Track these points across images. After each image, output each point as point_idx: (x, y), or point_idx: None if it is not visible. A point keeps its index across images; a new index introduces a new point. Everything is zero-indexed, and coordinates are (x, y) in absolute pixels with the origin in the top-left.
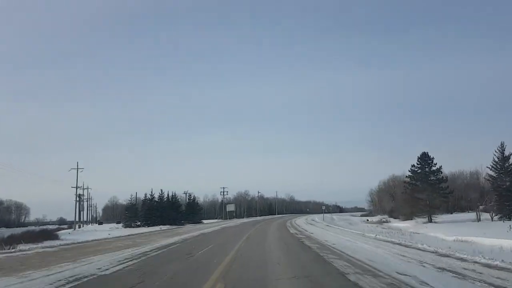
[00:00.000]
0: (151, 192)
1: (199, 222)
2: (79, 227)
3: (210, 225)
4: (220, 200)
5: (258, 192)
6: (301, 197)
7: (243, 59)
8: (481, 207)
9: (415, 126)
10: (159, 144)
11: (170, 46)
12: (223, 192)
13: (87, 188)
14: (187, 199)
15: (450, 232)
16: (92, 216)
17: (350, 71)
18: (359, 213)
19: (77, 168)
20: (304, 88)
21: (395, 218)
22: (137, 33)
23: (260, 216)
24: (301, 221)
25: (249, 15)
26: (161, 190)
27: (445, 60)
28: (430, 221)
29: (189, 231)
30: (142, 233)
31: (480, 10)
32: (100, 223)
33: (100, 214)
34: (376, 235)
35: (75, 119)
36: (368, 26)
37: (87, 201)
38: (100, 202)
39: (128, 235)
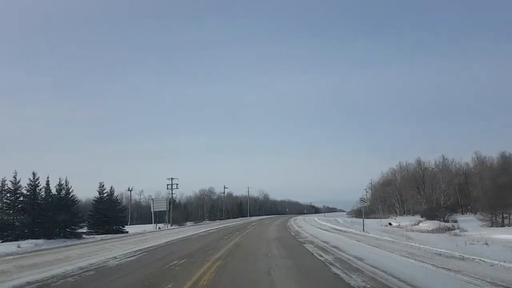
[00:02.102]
0: (15, 178)
1: (120, 231)
2: None
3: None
4: (175, 198)
5: (225, 188)
6: (275, 195)
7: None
8: None
9: (397, 127)
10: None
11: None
12: (171, 185)
13: None
14: (98, 193)
15: None
16: None
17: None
18: (342, 214)
19: None
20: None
21: (446, 220)
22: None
23: (226, 218)
24: (334, 239)
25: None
26: (34, 174)
27: (438, 61)
28: None
29: None
30: None
31: (474, 12)
32: None
33: None
34: None
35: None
36: (362, 28)
37: None
38: None
39: None
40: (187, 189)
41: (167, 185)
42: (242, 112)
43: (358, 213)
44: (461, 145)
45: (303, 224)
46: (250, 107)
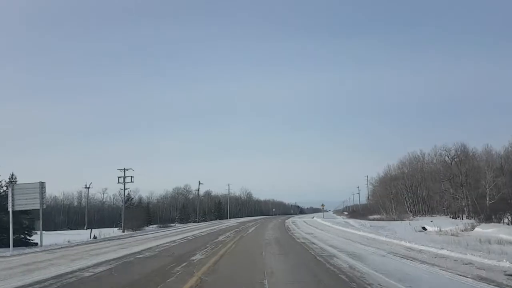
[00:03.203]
0: None
1: (25, 242)
2: None
3: None
4: (132, 195)
5: (199, 183)
6: (258, 195)
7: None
8: None
9: (386, 126)
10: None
11: None
12: (124, 178)
13: None
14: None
15: None
16: None
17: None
18: (328, 213)
19: None
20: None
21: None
22: None
23: (202, 220)
24: None
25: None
26: None
27: (431, 60)
28: None
29: None
30: None
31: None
32: None
33: None
34: None
35: None
36: (359, 27)
37: None
38: None
39: None
40: (159, 188)
41: (118, 177)
42: (230, 111)
43: (351, 213)
44: (461, 138)
45: (331, 239)
46: (237, 106)
